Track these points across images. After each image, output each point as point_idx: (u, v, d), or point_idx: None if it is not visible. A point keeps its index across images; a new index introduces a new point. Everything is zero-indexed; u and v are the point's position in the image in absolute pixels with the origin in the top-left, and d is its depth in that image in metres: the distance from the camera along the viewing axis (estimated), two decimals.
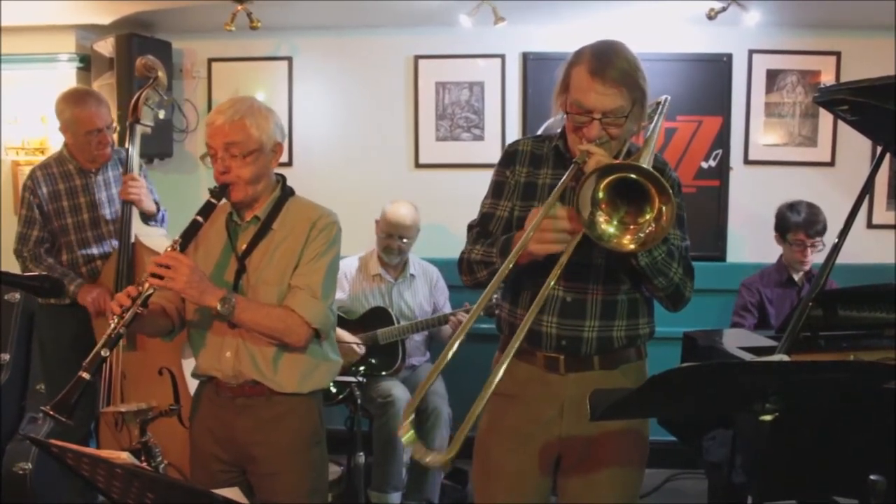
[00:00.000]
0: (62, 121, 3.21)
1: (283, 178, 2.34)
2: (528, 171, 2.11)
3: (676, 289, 1.98)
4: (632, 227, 1.78)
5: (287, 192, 2.32)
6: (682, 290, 2.00)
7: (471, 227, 2.17)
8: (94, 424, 3.23)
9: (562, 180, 1.90)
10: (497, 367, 1.71)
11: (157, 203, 3.31)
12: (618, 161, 1.86)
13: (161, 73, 3.20)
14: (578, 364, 2.04)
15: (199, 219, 2.16)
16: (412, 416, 1.62)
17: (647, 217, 1.75)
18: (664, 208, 1.72)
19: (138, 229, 3.21)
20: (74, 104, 3.18)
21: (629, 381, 2.05)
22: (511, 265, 1.80)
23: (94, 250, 3.31)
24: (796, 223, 3.48)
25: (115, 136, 3.36)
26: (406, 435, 1.60)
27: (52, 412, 1.94)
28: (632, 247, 1.78)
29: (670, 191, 1.71)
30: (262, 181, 2.23)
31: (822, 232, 3.48)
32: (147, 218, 3.27)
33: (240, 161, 2.16)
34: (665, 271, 1.94)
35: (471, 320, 1.77)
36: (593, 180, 1.75)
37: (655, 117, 2.07)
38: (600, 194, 1.76)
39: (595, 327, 2.03)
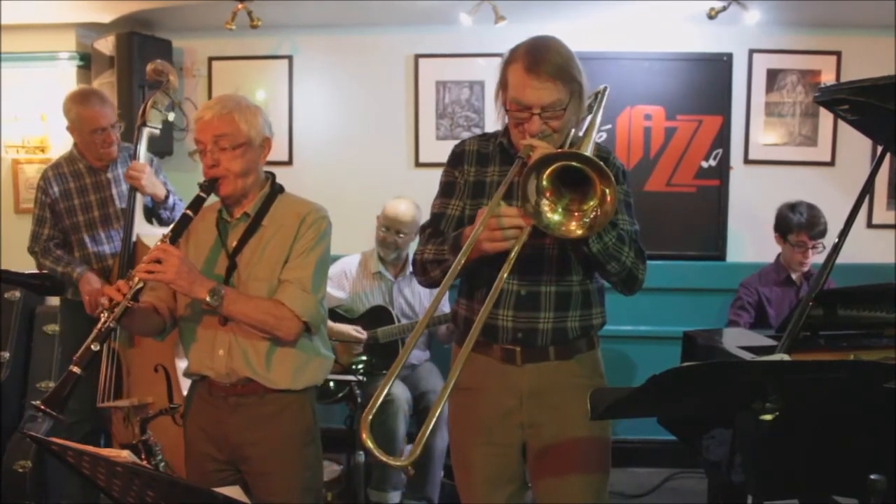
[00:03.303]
0: (69, 120, 3.29)
1: (272, 176, 2.35)
2: (476, 170, 2.15)
3: (629, 273, 2.02)
4: (576, 213, 1.83)
5: (276, 189, 2.32)
6: (635, 274, 2.04)
7: (423, 228, 2.21)
8: (107, 420, 3.25)
9: (507, 176, 1.94)
10: (455, 365, 1.74)
11: (169, 191, 3.36)
12: (558, 150, 1.90)
13: (172, 77, 3.28)
14: (535, 355, 2.09)
15: (189, 212, 2.17)
16: (374, 412, 1.61)
17: (592, 203, 1.80)
18: (607, 191, 1.76)
19: (141, 229, 3.25)
20: (79, 103, 3.24)
21: (584, 371, 2.13)
22: (462, 261, 1.84)
23: (106, 248, 3.37)
24: (799, 224, 3.48)
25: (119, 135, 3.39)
26: (368, 442, 1.58)
27: (43, 407, 1.94)
28: (579, 232, 1.82)
29: (611, 174, 1.75)
30: (252, 175, 2.24)
31: (824, 234, 3.48)
32: (158, 206, 3.33)
33: (229, 154, 2.17)
34: (617, 256, 1.98)
35: (426, 319, 1.86)
36: (535, 171, 1.79)
37: (595, 107, 2.12)
38: (544, 183, 1.81)
39: (550, 319, 2.07)
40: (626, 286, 2.06)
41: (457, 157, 2.20)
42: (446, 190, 2.19)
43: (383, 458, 1.62)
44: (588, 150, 1.86)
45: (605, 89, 2.21)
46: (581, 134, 2.05)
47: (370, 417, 1.60)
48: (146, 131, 3.27)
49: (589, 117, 2.08)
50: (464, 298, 2.18)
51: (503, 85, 2.03)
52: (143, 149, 3.26)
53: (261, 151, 2.26)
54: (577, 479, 2.11)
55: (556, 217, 1.82)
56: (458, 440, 2.21)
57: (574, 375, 2.09)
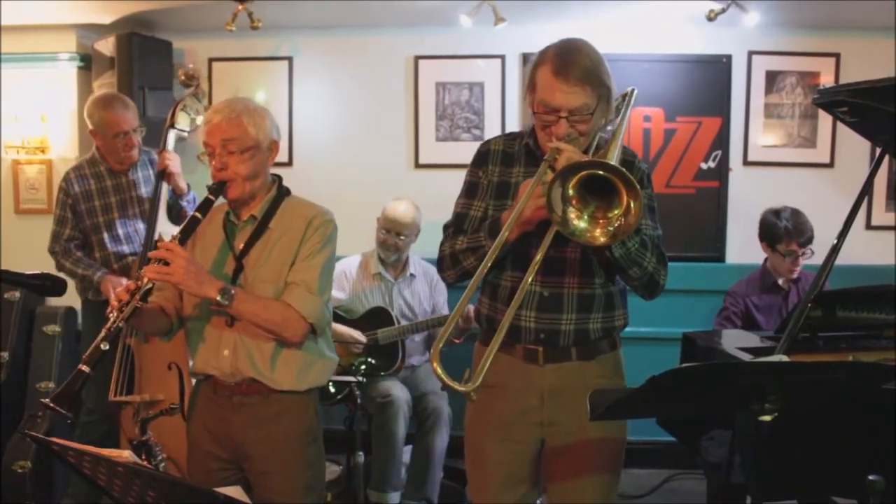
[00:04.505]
0: (92, 124, 3.38)
1: (279, 179, 2.37)
2: (500, 171, 2.16)
3: (651, 278, 2.03)
4: (601, 221, 1.84)
5: (283, 192, 2.34)
6: (656, 279, 2.05)
7: (447, 227, 2.22)
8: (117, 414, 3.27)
9: (534, 178, 1.94)
10: (484, 359, 1.83)
11: (188, 185, 3.47)
12: (585, 159, 1.90)
13: (202, 82, 3.32)
14: (556, 356, 2.10)
15: (198, 215, 2.19)
16: (442, 344, 1.81)
17: (616, 212, 1.81)
18: (632, 204, 1.77)
19: (163, 228, 3.32)
20: (102, 108, 3.35)
21: (605, 371, 2.13)
22: (505, 236, 1.89)
23: (125, 248, 3.45)
24: (787, 232, 3.35)
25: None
26: (438, 368, 1.78)
27: (52, 405, 1.95)
28: (603, 240, 1.84)
29: (637, 186, 1.75)
30: (259, 178, 2.26)
31: (812, 240, 3.38)
32: (178, 198, 3.41)
33: (237, 157, 2.20)
34: (639, 261, 1.99)
35: (462, 304, 1.89)
36: (562, 178, 1.80)
37: (623, 110, 2.11)
38: (570, 192, 1.82)
39: (572, 320, 2.08)
40: (648, 291, 2.07)
41: (482, 157, 2.20)
42: (470, 190, 2.20)
43: (451, 383, 1.78)
44: (615, 156, 1.86)
45: (632, 91, 2.19)
46: (608, 137, 2.05)
47: (440, 346, 1.80)
48: (174, 133, 3.37)
49: (616, 120, 2.07)
50: (486, 298, 2.20)
51: (531, 87, 2.02)
52: (170, 150, 3.36)
53: (268, 154, 2.28)
54: (589, 479, 2.12)
55: (581, 224, 1.84)
56: (474, 437, 2.21)
57: (595, 376, 2.10)
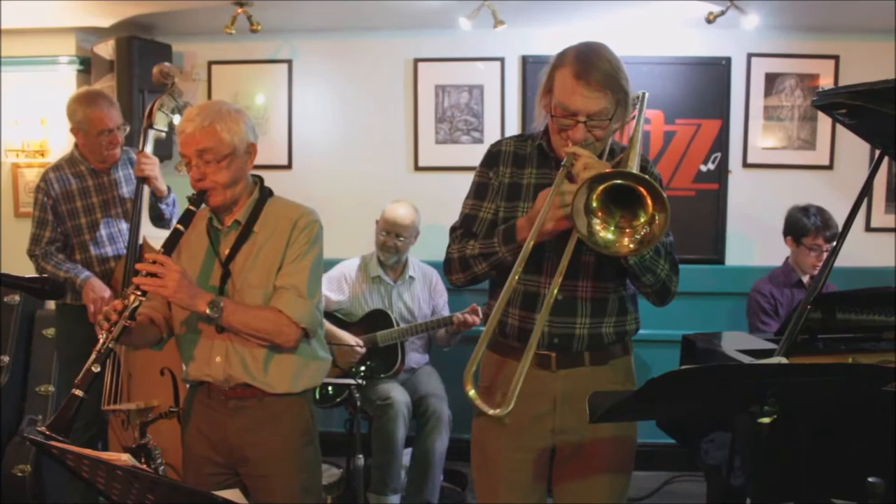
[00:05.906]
0: (74, 121, 3.27)
1: (260, 180, 2.33)
2: (511, 172, 2.12)
3: (663, 285, 2.02)
4: (627, 230, 1.80)
5: (266, 194, 2.31)
6: (668, 286, 2.04)
7: (454, 228, 2.18)
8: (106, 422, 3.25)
9: (554, 184, 1.90)
10: (516, 380, 1.85)
11: (169, 188, 3.38)
12: (607, 169, 1.87)
13: (178, 80, 3.28)
14: (569, 361, 2.08)
15: (180, 227, 2.15)
16: (474, 369, 1.83)
17: (641, 220, 1.78)
18: (657, 215, 1.74)
19: (147, 231, 3.26)
20: (86, 105, 3.23)
21: (618, 376, 2.12)
22: (531, 245, 1.86)
23: (108, 250, 3.35)
24: (815, 227, 3.49)
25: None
26: (471, 392, 1.83)
27: (49, 432, 1.92)
28: (632, 247, 1.80)
29: (664, 196, 1.72)
30: (240, 184, 2.23)
31: (836, 236, 3.49)
32: (158, 200, 3.33)
33: (214, 166, 2.15)
34: (653, 268, 1.97)
35: (496, 315, 1.91)
36: (585, 190, 1.76)
37: (637, 114, 2.08)
38: (594, 203, 1.78)
39: (586, 324, 2.06)
40: (659, 297, 2.06)
41: (492, 158, 2.16)
42: (479, 191, 2.16)
43: (484, 407, 1.86)
44: (636, 163, 1.84)
45: (643, 95, 2.16)
46: (622, 141, 2.03)
47: (472, 370, 1.84)
48: (152, 133, 3.28)
49: (632, 126, 2.05)
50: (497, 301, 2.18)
51: (548, 88, 1.99)
52: (149, 151, 3.28)
53: (247, 158, 2.23)
54: (601, 480, 2.11)
55: (609, 236, 1.80)
56: (484, 441, 2.17)
57: (608, 381, 2.07)
